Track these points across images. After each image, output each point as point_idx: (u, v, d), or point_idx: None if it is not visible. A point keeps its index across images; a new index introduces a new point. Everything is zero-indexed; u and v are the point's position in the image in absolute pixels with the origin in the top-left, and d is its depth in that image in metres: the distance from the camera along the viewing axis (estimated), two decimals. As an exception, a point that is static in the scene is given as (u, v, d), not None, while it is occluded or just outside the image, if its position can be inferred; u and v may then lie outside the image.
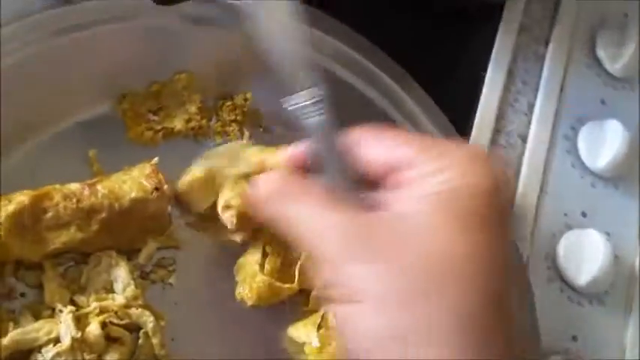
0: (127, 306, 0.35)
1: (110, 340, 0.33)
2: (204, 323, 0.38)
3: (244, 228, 0.39)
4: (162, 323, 0.36)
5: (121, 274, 0.36)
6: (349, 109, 0.40)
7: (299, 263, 0.39)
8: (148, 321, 0.35)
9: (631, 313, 0.50)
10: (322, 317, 0.39)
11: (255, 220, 0.36)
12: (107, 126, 0.43)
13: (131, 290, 0.35)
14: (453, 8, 0.54)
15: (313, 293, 0.40)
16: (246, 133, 0.45)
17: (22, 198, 0.35)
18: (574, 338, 0.48)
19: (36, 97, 0.40)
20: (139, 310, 0.35)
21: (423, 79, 0.47)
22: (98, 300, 0.34)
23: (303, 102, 0.30)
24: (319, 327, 0.38)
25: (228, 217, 0.38)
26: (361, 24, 0.45)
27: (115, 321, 0.34)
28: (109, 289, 0.35)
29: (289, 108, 0.31)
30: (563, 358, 0.46)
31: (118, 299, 0.35)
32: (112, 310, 0.34)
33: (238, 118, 0.45)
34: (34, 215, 0.35)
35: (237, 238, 0.39)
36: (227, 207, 0.38)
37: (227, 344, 0.38)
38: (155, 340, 0.35)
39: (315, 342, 0.37)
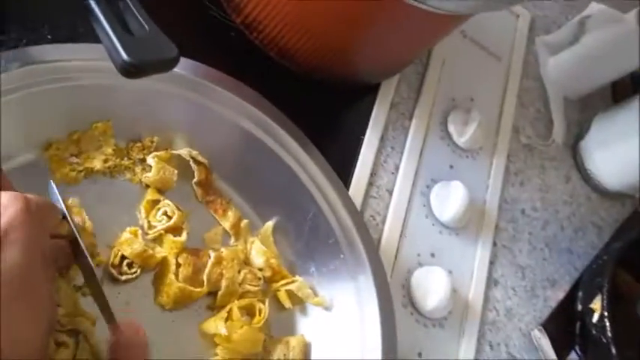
0: (67, 315, 0.41)
1: (57, 344, 0.40)
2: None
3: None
4: (94, 326, 0.42)
5: (62, 288, 0.42)
6: (255, 157, 0.51)
7: (206, 271, 0.48)
8: (85, 325, 0.42)
9: (463, 336, 0.61)
10: (229, 311, 0.47)
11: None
12: (33, 171, 0.47)
13: (71, 302, 0.42)
14: (336, 85, 0.64)
15: (220, 292, 0.48)
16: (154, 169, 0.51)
17: None
18: (419, 354, 0.57)
19: None
20: (79, 317, 0.42)
21: (314, 139, 0.55)
22: None
23: None
24: (227, 319, 0.47)
25: None
26: (270, 94, 0.55)
27: (60, 328, 0.41)
28: None
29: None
30: None
31: (60, 310, 0.41)
32: (57, 320, 0.40)
33: (146, 157, 0.52)
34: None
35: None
36: None
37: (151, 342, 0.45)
38: (92, 341, 0.42)
39: (224, 331, 0.45)
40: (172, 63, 0.39)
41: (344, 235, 0.52)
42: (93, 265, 0.41)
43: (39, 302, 0.33)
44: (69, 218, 0.40)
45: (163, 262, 0.48)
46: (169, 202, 0.50)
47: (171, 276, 0.47)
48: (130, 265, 0.47)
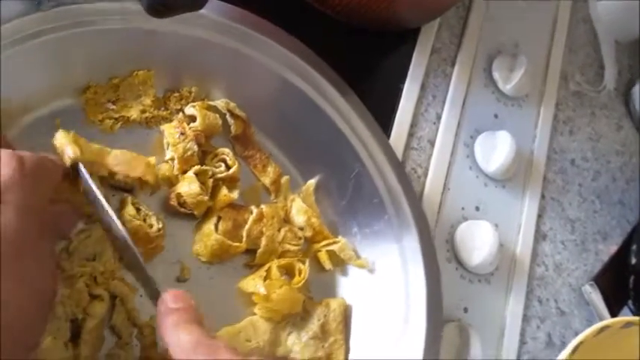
0: (105, 275, 0.40)
1: (92, 296, 0.39)
2: (166, 282, 0.44)
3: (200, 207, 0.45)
4: (133, 293, 0.41)
5: (106, 248, 0.41)
6: (296, 108, 0.48)
7: (247, 226, 0.46)
8: (122, 289, 0.40)
9: (511, 291, 0.58)
10: (267, 270, 0.46)
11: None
12: (70, 116, 0.46)
13: (111, 264, 0.41)
14: (374, 30, 0.61)
15: (260, 250, 0.47)
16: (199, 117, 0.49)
17: None
18: (465, 310, 0.55)
19: (8, 93, 0.43)
20: (116, 281, 0.40)
21: (351, 88, 0.52)
22: (82, 266, 0.39)
23: None
24: (265, 278, 0.45)
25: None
26: (304, 41, 0.52)
27: (95, 284, 0.39)
28: (90, 259, 0.40)
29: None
30: (456, 325, 0.55)
31: (99, 267, 0.40)
32: (93, 276, 0.39)
33: (184, 107, 0.50)
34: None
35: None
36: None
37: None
38: (129, 306, 0.40)
39: (262, 290, 0.44)
40: (202, 1, 0.37)
41: (389, 194, 0.50)
42: (128, 237, 0.39)
43: (33, 268, 0.31)
44: (105, 204, 0.39)
45: (207, 212, 0.47)
46: (230, 152, 0.49)
47: (211, 226, 0.45)
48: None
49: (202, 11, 0.45)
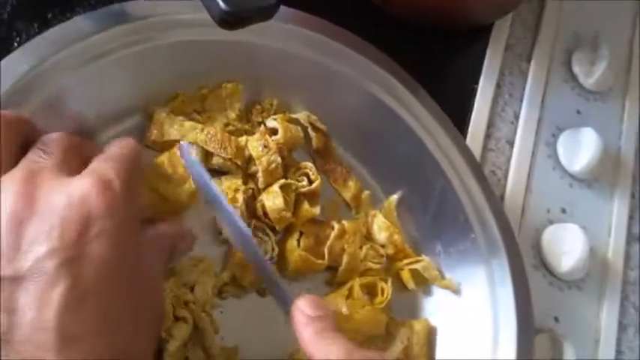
0: (195, 304, 0.39)
1: (176, 318, 0.38)
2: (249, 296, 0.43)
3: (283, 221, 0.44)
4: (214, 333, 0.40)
5: (208, 282, 0.40)
6: (376, 119, 0.48)
7: (328, 243, 0.45)
8: (206, 326, 0.39)
9: (604, 297, 0.55)
10: (350, 289, 0.44)
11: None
12: None
13: (208, 296, 0.40)
14: (446, 28, 0.59)
15: (341, 268, 0.45)
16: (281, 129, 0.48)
17: None
18: (556, 319, 0.52)
19: (99, 103, 0.43)
20: (203, 314, 0.39)
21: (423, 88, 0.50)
22: (177, 288, 0.39)
23: None
24: (347, 297, 0.43)
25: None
26: (372, 40, 0.50)
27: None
28: (188, 286, 0.40)
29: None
30: (548, 336, 0.52)
31: (191, 296, 0.39)
32: (183, 300, 0.38)
33: (265, 120, 0.49)
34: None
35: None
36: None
37: (265, 324, 0.43)
38: (207, 343, 0.39)
39: (345, 309, 0.42)
40: (272, 10, 0.36)
41: (476, 213, 0.47)
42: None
43: (142, 297, 0.29)
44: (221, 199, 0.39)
45: (289, 227, 0.45)
46: (312, 166, 0.47)
47: (294, 242, 0.44)
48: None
49: (282, 23, 0.45)
